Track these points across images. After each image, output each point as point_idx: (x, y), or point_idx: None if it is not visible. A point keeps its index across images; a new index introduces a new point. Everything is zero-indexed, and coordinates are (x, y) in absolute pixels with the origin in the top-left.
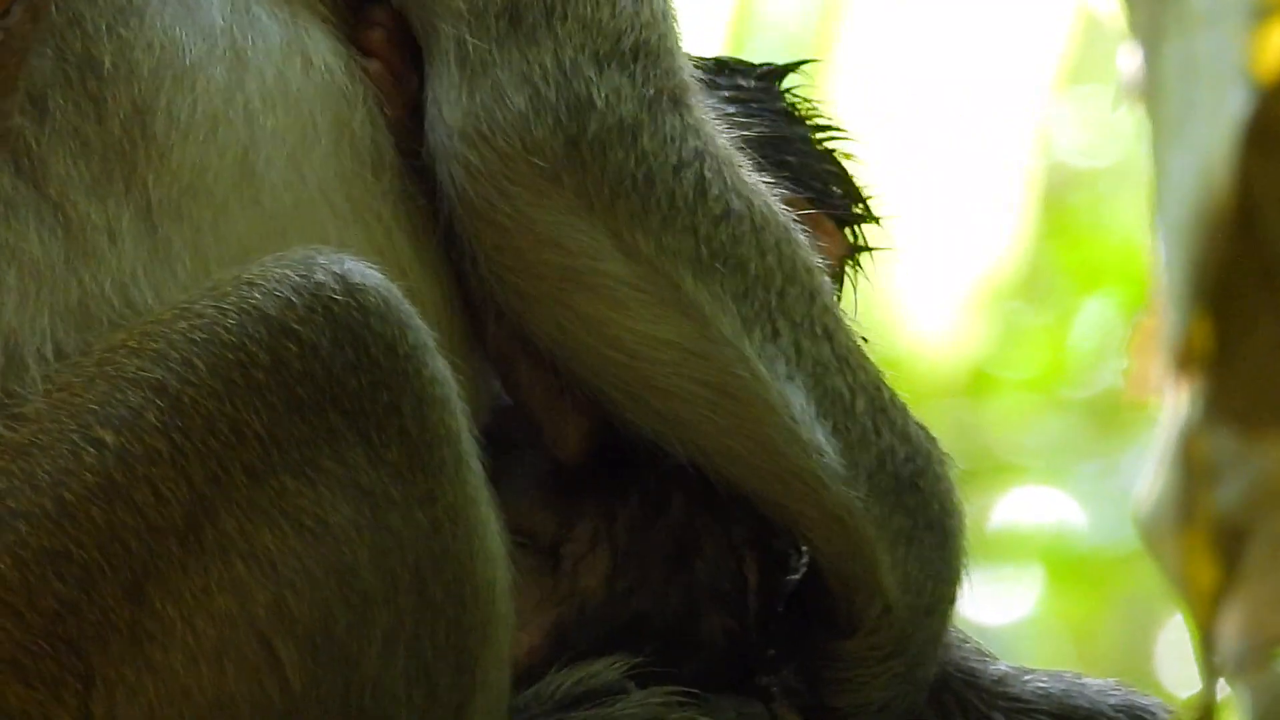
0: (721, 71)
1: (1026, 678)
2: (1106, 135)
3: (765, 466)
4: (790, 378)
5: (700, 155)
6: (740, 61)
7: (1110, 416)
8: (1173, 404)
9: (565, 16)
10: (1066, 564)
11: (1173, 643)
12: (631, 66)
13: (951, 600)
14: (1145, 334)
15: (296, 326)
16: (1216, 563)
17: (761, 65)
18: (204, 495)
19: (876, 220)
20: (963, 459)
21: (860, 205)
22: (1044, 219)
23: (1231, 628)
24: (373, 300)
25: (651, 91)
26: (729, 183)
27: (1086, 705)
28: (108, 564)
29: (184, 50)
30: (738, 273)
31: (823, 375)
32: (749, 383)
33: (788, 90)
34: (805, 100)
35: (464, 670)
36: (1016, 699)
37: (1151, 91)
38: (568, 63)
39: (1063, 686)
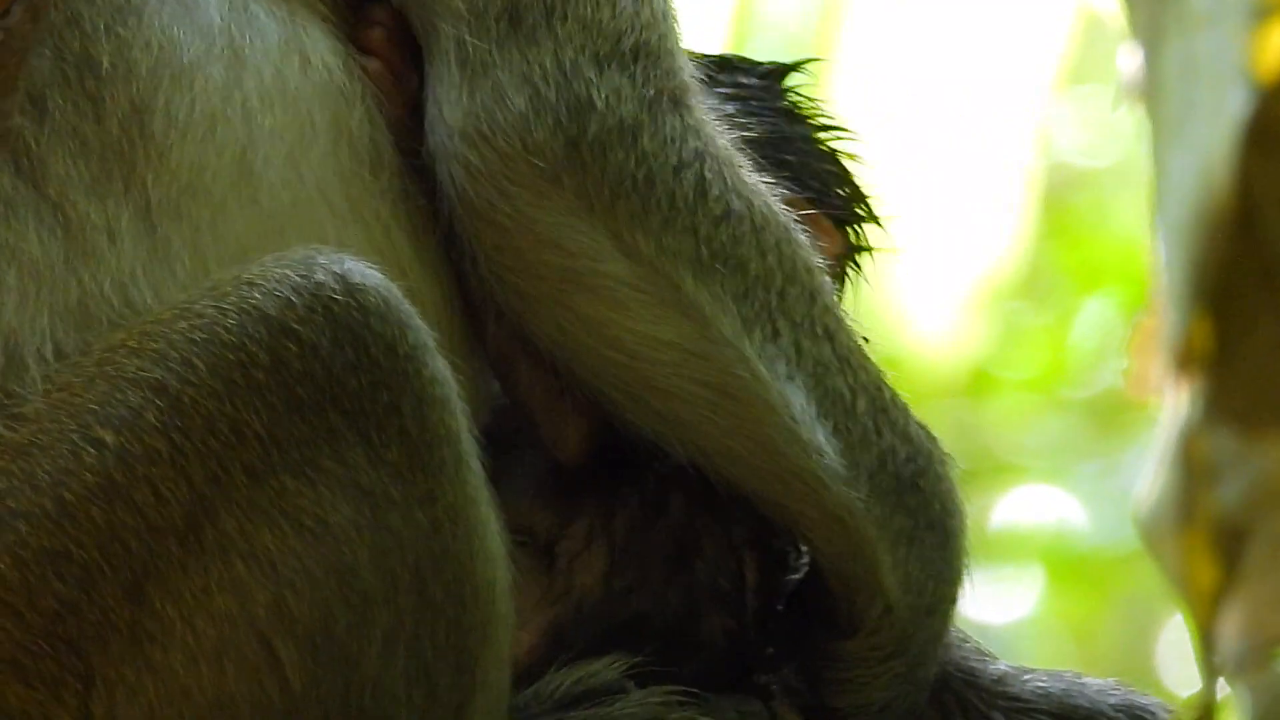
0: (724, 69)
1: (1026, 677)
2: (1107, 135)
3: (765, 467)
4: (791, 378)
5: (700, 156)
6: (744, 59)
7: (1111, 416)
8: (1173, 404)
9: (565, 17)
10: (1067, 564)
11: (1173, 642)
12: (632, 67)
13: (953, 600)
14: (1145, 334)
15: (296, 326)
16: (1216, 563)
17: (765, 64)
18: (204, 495)
19: (877, 220)
20: (963, 459)
21: (861, 205)
22: (1044, 219)
23: (1231, 628)
24: (373, 300)
25: (652, 92)
26: (729, 183)
27: (1086, 705)
28: (108, 564)
29: (182, 49)
30: (738, 273)
31: (823, 375)
32: (749, 383)
33: (790, 89)
34: (808, 99)
35: (464, 670)
36: (1016, 698)
37: (1152, 91)
38: (568, 64)
39: (1063, 686)
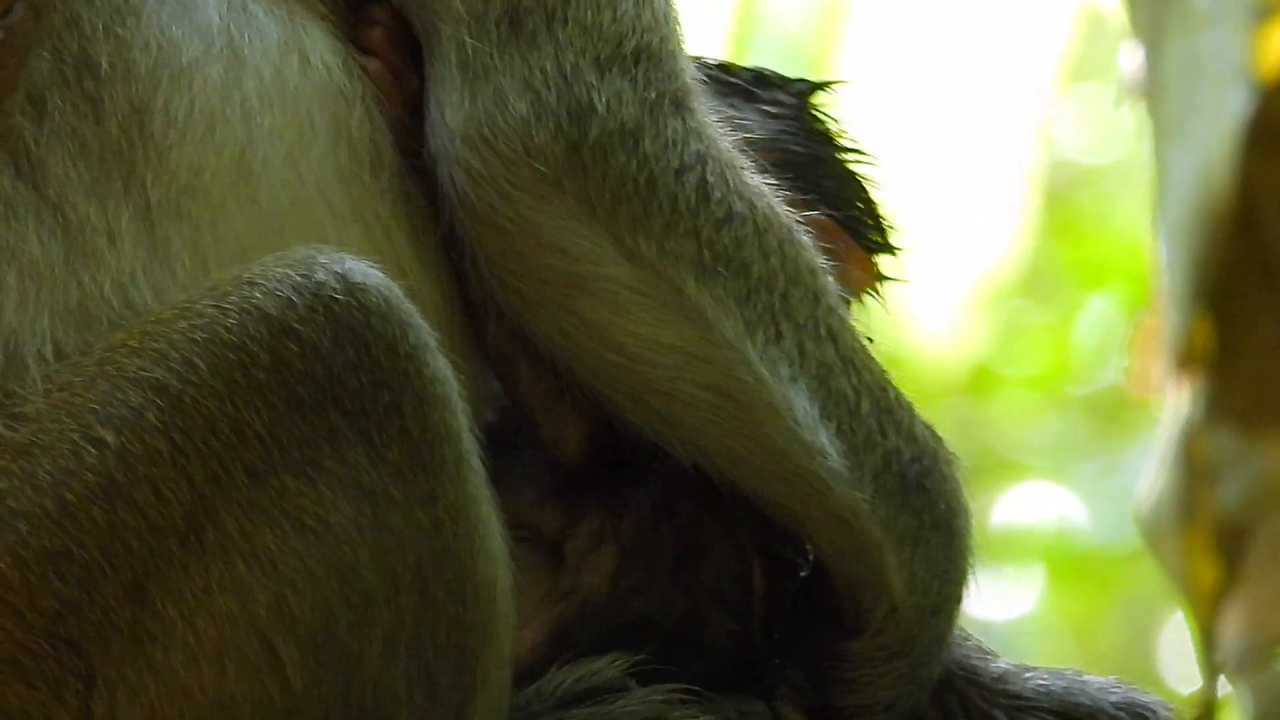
0: (762, 85)
1: (1027, 675)
2: (1109, 133)
3: (768, 469)
4: (794, 380)
5: (702, 159)
6: (781, 77)
7: (1113, 414)
8: (1174, 403)
9: (566, 21)
10: (1068, 562)
11: (1174, 641)
12: (633, 70)
13: (958, 600)
14: (1146, 333)
15: (297, 326)
16: (1217, 562)
17: (797, 81)
18: (205, 495)
19: (898, 250)
20: (965, 457)
21: (886, 234)
22: (1046, 217)
23: (1232, 626)
24: (374, 300)
25: (653, 95)
26: (731, 186)
27: (1088, 703)
28: (109, 564)
29: (181, 49)
30: (740, 276)
31: (827, 377)
32: (751, 386)
33: (821, 109)
34: (836, 121)
35: (465, 669)
36: (1018, 696)
37: (1153, 90)
38: (569, 67)
39: (1064, 684)
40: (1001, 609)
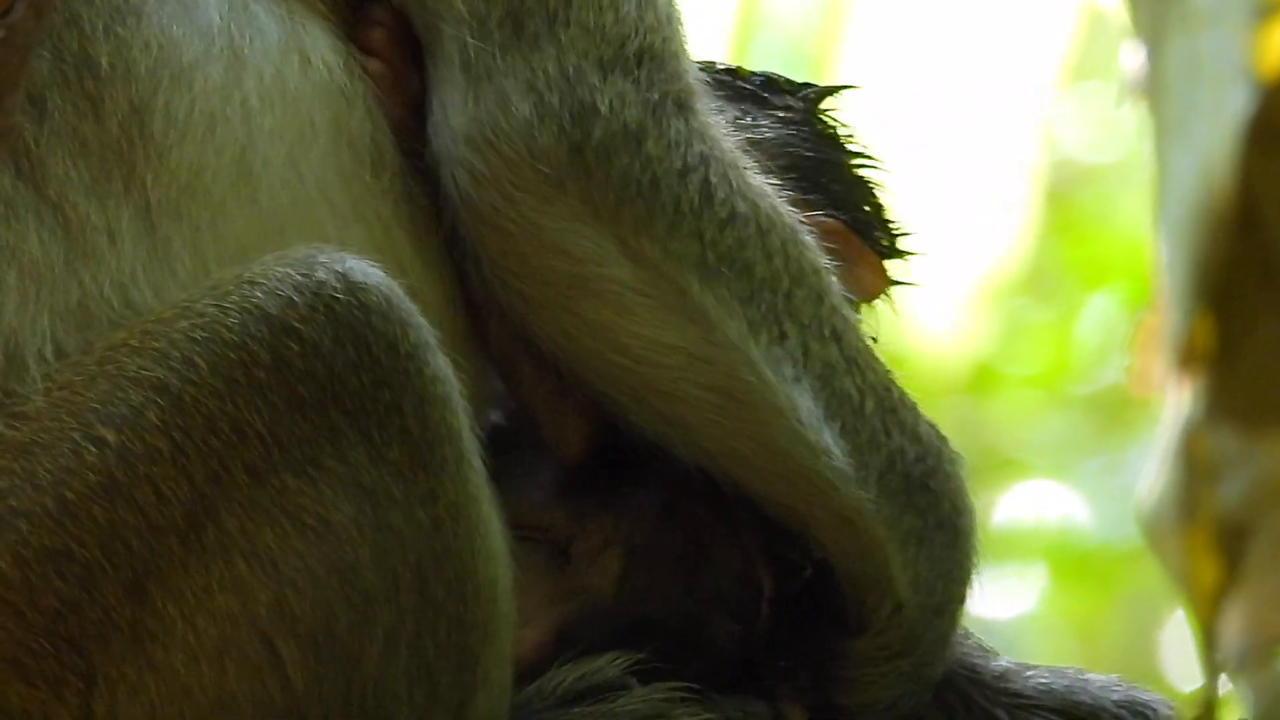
0: (772, 89)
1: (1029, 674)
2: (1110, 132)
3: (772, 469)
4: (798, 380)
5: (705, 159)
6: (790, 81)
7: (1115, 413)
8: (1175, 402)
9: (568, 22)
10: (1070, 560)
11: (1176, 639)
12: (636, 72)
13: (961, 600)
14: (1148, 331)
15: (298, 325)
16: (1218, 560)
17: (805, 85)
18: (205, 494)
19: (905, 255)
20: (966, 455)
21: (894, 238)
22: (1048, 215)
23: (1233, 625)
24: (374, 299)
25: (656, 96)
26: (735, 186)
27: (1089, 701)
28: (109, 563)
29: (181, 49)
30: (744, 276)
31: (831, 377)
32: (755, 386)
33: (829, 113)
34: (846, 125)
35: (465, 668)
36: (1019, 695)
37: (1154, 90)
38: (571, 69)
39: (1065, 682)
40: (1003, 607)
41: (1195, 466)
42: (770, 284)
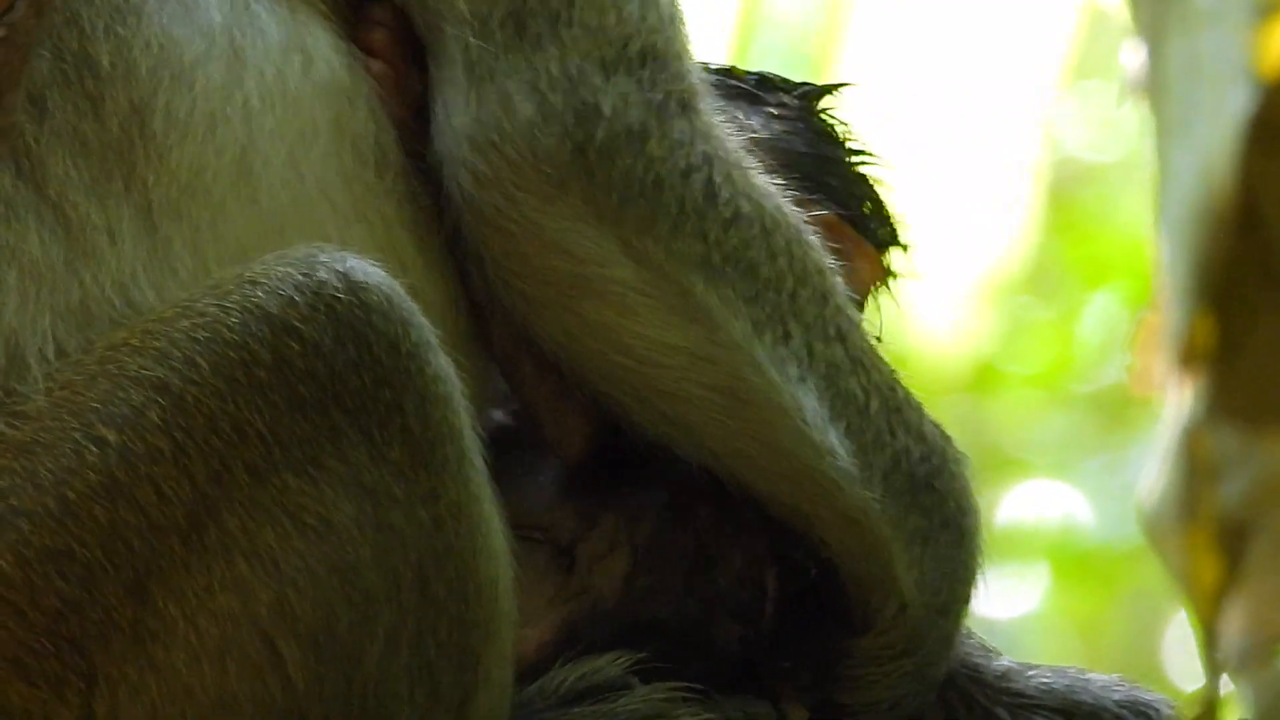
0: (766, 88)
1: (1030, 673)
2: (1112, 131)
3: (777, 469)
4: (802, 380)
5: (709, 159)
6: (785, 80)
7: (1116, 412)
8: (1176, 400)
9: (570, 23)
10: (1072, 559)
11: (1178, 638)
12: (639, 72)
13: (966, 600)
14: (1149, 330)
15: (299, 325)
16: (1219, 559)
17: (802, 84)
18: (206, 494)
19: (906, 247)
20: (969, 454)
21: (894, 232)
22: (1050, 214)
23: (1235, 624)
24: (375, 298)
25: (659, 97)
26: (738, 186)
27: (1090, 701)
28: (110, 563)
29: (182, 49)
30: (748, 276)
31: (835, 377)
32: (759, 386)
33: (826, 110)
34: (842, 122)
35: (467, 667)
36: (1020, 694)
37: (1155, 89)
38: (574, 70)
39: (1066, 682)
40: (1006, 607)
41: (1196, 465)
42: (774, 284)
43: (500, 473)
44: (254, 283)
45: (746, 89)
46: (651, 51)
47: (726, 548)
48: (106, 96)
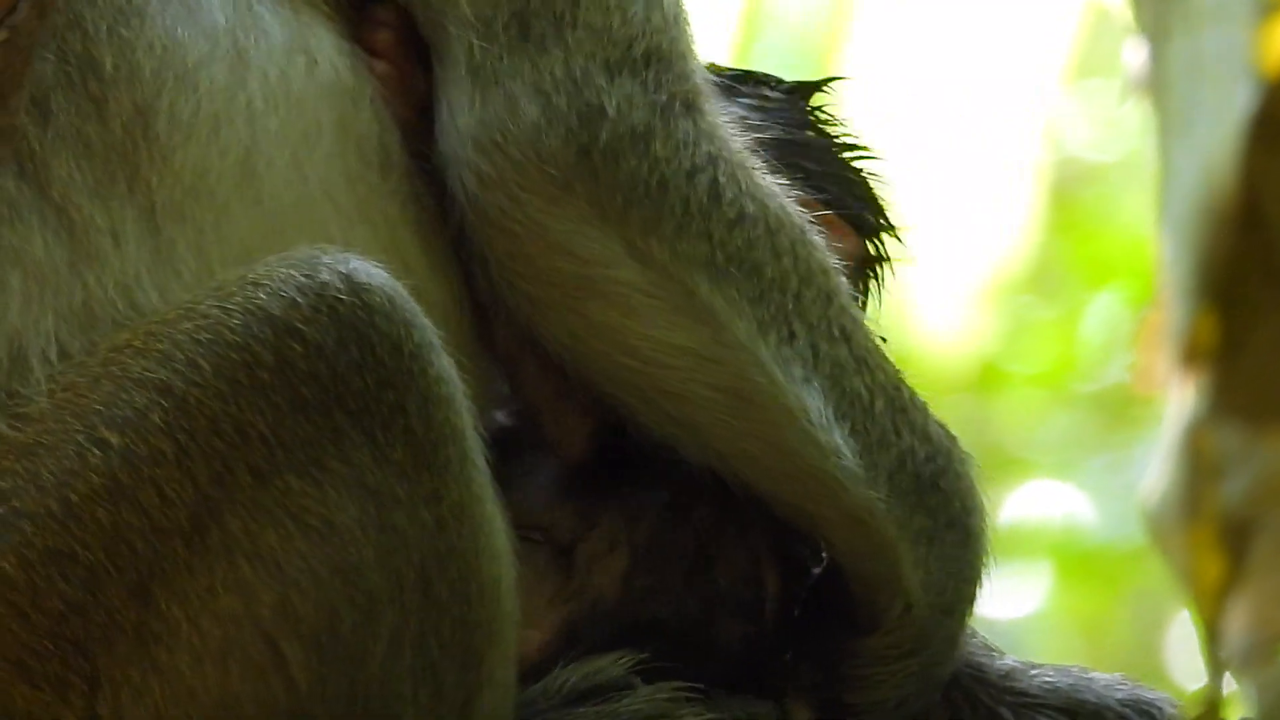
0: (747, 82)
1: (1034, 672)
2: (1114, 130)
3: (783, 470)
4: (807, 380)
5: (714, 160)
6: (767, 75)
7: (1119, 411)
8: (1179, 399)
9: (575, 24)
10: (1076, 559)
11: (1181, 637)
12: (643, 73)
13: (972, 600)
14: (1152, 329)
15: (301, 326)
16: (1223, 557)
17: (788, 82)
18: (209, 496)
19: (893, 228)
20: (972, 454)
21: (878, 212)
22: (1052, 213)
23: (1238, 622)
24: (378, 299)
25: (664, 97)
26: (743, 187)
27: (1094, 700)
28: (113, 565)
29: (186, 51)
30: (753, 277)
31: (841, 377)
32: (764, 387)
33: (812, 105)
34: (829, 115)
35: (470, 667)
36: (1024, 693)
37: (1157, 87)
38: (578, 71)
39: (1070, 681)
40: (1009, 606)
41: (1199, 464)
42: (779, 284)
43: (500, 473)
44: (256, 284)
45: (726, 83)
46: (656, 52)
47: (726, 547)
48: (110, 98)
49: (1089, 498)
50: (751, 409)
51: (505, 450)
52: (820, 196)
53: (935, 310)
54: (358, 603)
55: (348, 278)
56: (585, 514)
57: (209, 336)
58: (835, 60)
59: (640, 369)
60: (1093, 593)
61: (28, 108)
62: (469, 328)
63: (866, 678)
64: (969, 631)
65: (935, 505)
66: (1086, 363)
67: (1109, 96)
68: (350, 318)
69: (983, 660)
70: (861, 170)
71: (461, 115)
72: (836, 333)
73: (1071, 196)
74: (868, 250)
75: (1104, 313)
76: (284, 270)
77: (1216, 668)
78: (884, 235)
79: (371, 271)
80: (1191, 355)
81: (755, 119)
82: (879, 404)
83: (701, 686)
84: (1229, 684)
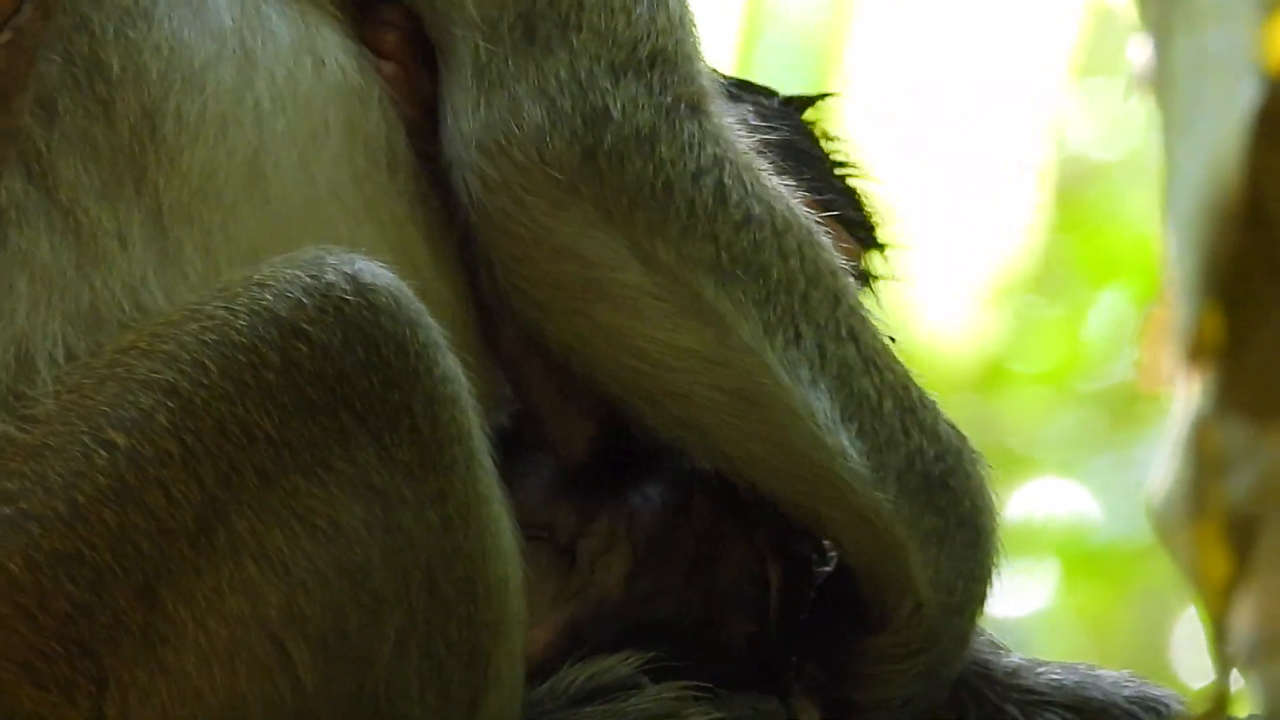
0: (744, 91)
1: (1040, 670)
2: (1119, 128)
3: (790, 471)
4: (814, 382)
5: (719, 162)
6: (762, 86)
7: (1124, 408)
8: (1184, 396)
9: (580, 27)
10: (1082, 556)
11: (1188, 634)
12: (648, 75)
13: (982, 599)
14: (1157, 326)
15: (307, 327)
16: (1228, 554)
17: (784, 95)
18: (215, 497)
19: (885, 243)
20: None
21: (872, 219)
22: (1057, 212)
23: (1244, 619)
24: (383, 299)
25: (669, 99)
26: (749, 188)
27: (1100, 697)
28: (120, 566)
29: (193, 52)
30: (759, 278)
31: (848, 377)
32: (771, 389)
33: (807, 116)
34: (822, 128)
35: (477, 667)
36: (1030, 691)
37: (1162, 85)
38: (583, 73)
39: (1076, 678)
40: (1016, 604)
41: (1205, 461)
42: (786, 285)
43: (501, 471)
44: (262, 285)
45: (726, 89)
46: (661, 54)
47: (728, 546)
48: (117, 100)
49: (1094, 495)
50: (758, 411)
51: (506, 449)
52: (819, 199)
53: (940, 309)
54: (364, 603)
55: (353, 278)
56: (585, 512)
57: (215, 338)
58: (838, 60)
59: (646, 371)
60: (1099, 590)
61: (34, 109)
62: (476, 326)
63: (874, 676)
64: (976, 629)
65: (945, 504)
66: (1091, 361)
67: (1113, 95)
68: (356, 318)
69: (989, 657)
70: (854, 178)
71: (466, 118)
72: (844, 333)
73: (1076, 195)
74: (865, 254)
75: (1109, 310)
76: (289, 271)
77: (1223, 664)
78: (879, 245)
79: (377, 271)
80: (1196, 352)
81: (751, 124)
82: (887, 404)
83: (708, 685)
84: (1235, 680)
